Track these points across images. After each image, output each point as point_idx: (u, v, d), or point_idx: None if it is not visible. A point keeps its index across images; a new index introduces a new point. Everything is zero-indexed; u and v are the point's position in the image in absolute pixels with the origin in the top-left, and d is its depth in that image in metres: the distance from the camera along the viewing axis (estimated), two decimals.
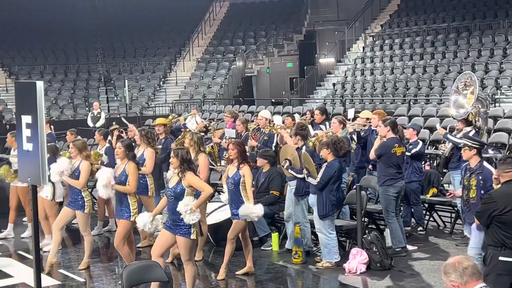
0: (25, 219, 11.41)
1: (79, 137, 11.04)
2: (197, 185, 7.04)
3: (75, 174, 8.65)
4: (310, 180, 8.34)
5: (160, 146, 10.88)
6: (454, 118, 10.43)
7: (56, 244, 8.84)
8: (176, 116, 13.76)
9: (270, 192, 9.80)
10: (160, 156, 10.59)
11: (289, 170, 8.69)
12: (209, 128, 12.91)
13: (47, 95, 25.86)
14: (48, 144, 10.09)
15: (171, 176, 7.34)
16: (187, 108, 23.94)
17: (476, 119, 9.89)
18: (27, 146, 5.12)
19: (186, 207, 6.89)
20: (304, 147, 8.98)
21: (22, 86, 5.34)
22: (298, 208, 8.94)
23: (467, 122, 9.66)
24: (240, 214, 7.92)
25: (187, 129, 12.32)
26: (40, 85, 4.93)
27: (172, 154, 7.21)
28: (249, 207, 7.88)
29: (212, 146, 12.14)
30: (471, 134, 9.46)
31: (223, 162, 11.69)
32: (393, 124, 9.09)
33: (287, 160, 8.77)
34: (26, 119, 5.09)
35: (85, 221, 8.71)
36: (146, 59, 30.72)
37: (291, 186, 9.06)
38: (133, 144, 9.39)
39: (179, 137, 11.70)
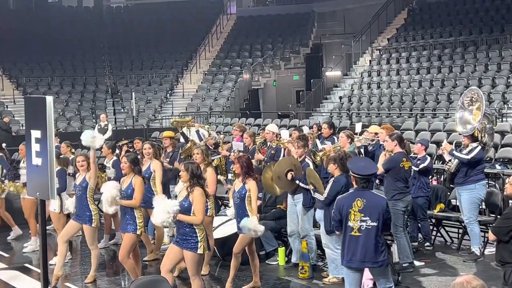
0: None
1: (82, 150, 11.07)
2: (195, 207, 6.99)
3: (82, 186, 8.66)
4: (317, 195, 8.31)
5: (167, 159, 10.90)
6: (460, 134, 10.42)
7: (62, 257, 8.83)
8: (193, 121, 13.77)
9: (277, 206, 9.79)
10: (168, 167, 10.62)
11: (297, 182, 8.66)
12: (217, 141, 12.90)
13: (54, 107, 25.79)
14: (61, 156, 10.14)
15: (181, 189, 7.34)
16: (194, 120, 23.91)
17: (482, 135, 9.86)
18: (36, 161, 5.14)
19: (171, 213, 6.88)
20: (306, 160, 8.97)
21: (31, 101, 5.38)
22: (305, 219, 8.90)
23: (472, 137, 9.63)
24: (241, 225, 7.86)
25: (192, 140, 12.33)
26: (49, 100, 4.96)
27: (182, 167, 7.22)
28: (251, 222, 7.82)
29: (219, 159, 12.13)
30: (477, 150, 9.44)
31: (230, 175, 11.69)
32: (400, 138, 9.11)
33: (291, 173, 8.73)
34: (36, 133, 5.12)
35: (93, 235, 8.71)
36: (153, 72, 30.81)
37: (295, 200, 9.02)
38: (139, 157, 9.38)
39: (187, 146, 11.72)
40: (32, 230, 10.87)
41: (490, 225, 9.71)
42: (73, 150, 11.78)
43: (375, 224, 6.46)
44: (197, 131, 12.96)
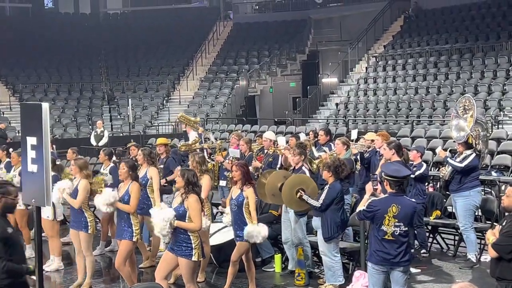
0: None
1: (81, 156, 11.02)
2: (192, 214, 6.98)
3: (73, 193, 8.62)
4: (311, 202, 8.28)
5: (161, 166, 10.90)
6: (454, 141, 10.44)
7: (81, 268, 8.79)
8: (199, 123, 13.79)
9: (269, 211, 9.79)
10: (163, 175, 10.63)
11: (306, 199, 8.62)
12: (214, 146, 12.91)
13: (50, 113, 25.80)
14: (57, 163, 10.13)
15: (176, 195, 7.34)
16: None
17: (477, 142, 9.86)
18: (32, 168, 5.13)
19: (168, 220, 6.87)
20: (303, 167, 8.98)
21: (27, 108, 5.37)
22: (297, 227, 8.89)
23: (467, 145, 9.64)
24: (246, 235, 7.89)
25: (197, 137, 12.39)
26: (45, 107, 4.96)
27: (179, 173, 7.22)
28: (255, 228, 7.86)
29: (213, 165, 12.13)
30: (471, 157, 9.44)
31: (222, 182, 11.70)
32: (398, 147, 9.10)
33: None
34: (31, 140, 5.11)
35: (88, 242, 8.66)
36: (149, 78, 30.82)
37: (287, 207, 9.00)
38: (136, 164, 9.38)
39: (193, 140, 11.73)
40: (26, 239, 10.80)
41: (486, 232, 9.74)
42: (80, 157, 11.73)
43: (407, 229, 6.60)
44: (200, 135, 13.01)
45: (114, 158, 11.84)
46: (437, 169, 13.59)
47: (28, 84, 29.30)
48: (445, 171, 9.85)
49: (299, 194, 8.37)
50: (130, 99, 26.72)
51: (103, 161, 11.40)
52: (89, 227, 8.56)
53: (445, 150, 10.50)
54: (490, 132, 15.31)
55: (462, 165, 9.38)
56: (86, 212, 8.62)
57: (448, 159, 9.66)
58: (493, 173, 13.21)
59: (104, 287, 9.17)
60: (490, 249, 5.99)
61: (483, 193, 10.51)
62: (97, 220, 12.77)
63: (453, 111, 10.35)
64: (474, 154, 9.54)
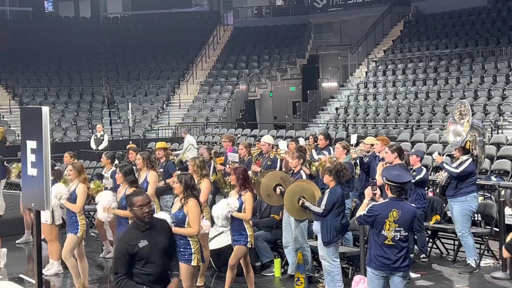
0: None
1: (78, 160, 11.01)
2: (190, 219, 6.97)
3: (72, 197, 8.60)
4: (313, 208, 8.27)
5: (161, 170, 10.90)
6: (452, 146, 10.43)
7: (74, 269, 8.70)
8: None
9: (271, 215, 9.79)
10: (163, 179, 10.63)
11: (307, 206, 8.61)
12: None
13: (50, 117, 25.79)
14: (55, 167, 10.11)
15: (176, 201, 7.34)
16: (190, 131, 23.88)
17: (473, 147, 9.86)
18: (32, 171, 5.13)
19: None
20: (301, 171, 8.98)
21: (27, 112, 5.37)
22: (298, 231, 8.89)
23: (464, 150, 9.63)
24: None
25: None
26: (45, 111, 4.96)
27: (175, 179, 7.21)
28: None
29: (216, 174, 12.11)
30: (467, 162, 9.43)
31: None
32: (400, 150, 9.10)
33: (279, 187, 8.73)
34: (31, 144, 5.12)
35: (73, 243, 8.54)
36: (149, 82, 30.85)
37: None
38: (134, 168, 9.37)
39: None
40: None
41: (485, 237, 9.74)
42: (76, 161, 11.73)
43: (407, 233, 6.56)
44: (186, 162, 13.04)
45: (116, 161, 11.83)
46: (436, 173, 13.59)
47: (28, 87, 29.30)
48: (442, 176, 9.84)
49: (300, 201, 8.35)
50: (130, 103, 26.76)
51: (105, 165, 11.38)
52: (79, 231, 8.51)
53: (443, 155, 10.48)
54: (490, 137, 15.33)
55: (458, 170, 9.37)
56: (79, 216, 8.58)
57: (444, 164, 9.64)
58: (493, 178, 13.21)
59: None
60: (503, 249, 5.98)
61: (482, 197, 10.50)
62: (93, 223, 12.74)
63: (450, 118, 10.34)
64: (470, 160, 9.52)
